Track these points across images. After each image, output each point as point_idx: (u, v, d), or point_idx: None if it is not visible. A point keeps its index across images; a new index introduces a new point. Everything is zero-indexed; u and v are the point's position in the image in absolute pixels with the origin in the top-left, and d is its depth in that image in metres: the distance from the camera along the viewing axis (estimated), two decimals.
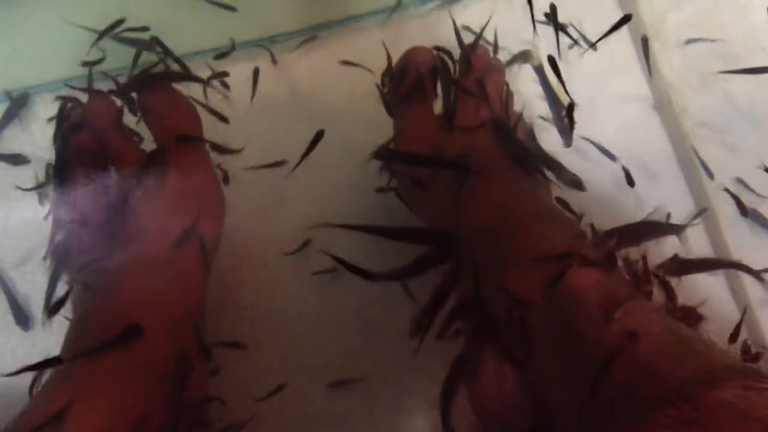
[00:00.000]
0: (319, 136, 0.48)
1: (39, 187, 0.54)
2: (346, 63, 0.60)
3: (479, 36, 0.52)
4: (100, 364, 0.41)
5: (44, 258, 0.48)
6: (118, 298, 0.44)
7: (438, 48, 0.52)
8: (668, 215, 0.50)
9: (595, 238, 0.41)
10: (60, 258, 0.48)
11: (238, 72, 0.59)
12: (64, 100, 0.51)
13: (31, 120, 0.60)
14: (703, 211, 0.56)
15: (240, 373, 0.51)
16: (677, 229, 0.46)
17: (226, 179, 0.53)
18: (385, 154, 0.48)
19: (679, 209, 0.56)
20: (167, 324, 0.44)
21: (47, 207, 0.50)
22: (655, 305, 0.38)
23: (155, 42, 0.56)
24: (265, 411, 0.50)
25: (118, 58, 0.58)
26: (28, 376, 0.51)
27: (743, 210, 0.56)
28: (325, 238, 0.56)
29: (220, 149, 0.54)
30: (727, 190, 0.56)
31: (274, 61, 0.61)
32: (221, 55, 0.59)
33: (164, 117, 0.49)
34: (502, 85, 0.51)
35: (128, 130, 0.50)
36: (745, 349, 0.48)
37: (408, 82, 0.50)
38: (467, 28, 0.59)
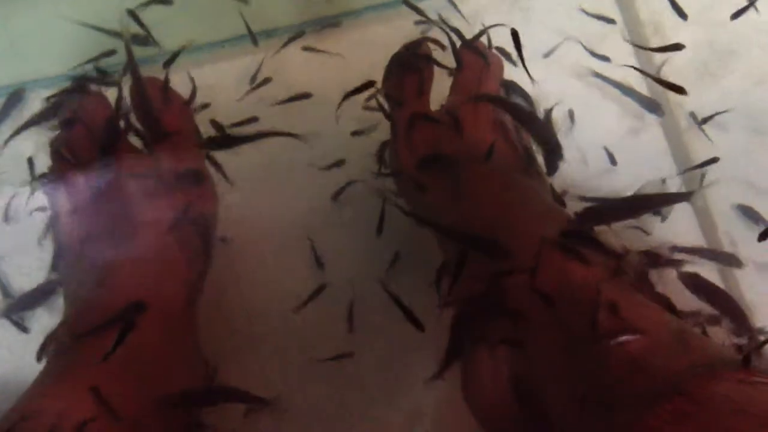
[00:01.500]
0: (369, 83, 0.49)
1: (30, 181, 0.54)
2: (307, 49, 0.60)
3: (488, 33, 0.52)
4: (92, 361, 0.41)
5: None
6: (111, 293, 0.44)
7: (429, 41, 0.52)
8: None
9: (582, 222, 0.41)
10: (56, 252, 0.48)
11: (233, 68, 0.59)
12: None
13: (26, 116, 0.60)
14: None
15: (236, 370, 0.51)
16: (682, 198, 0.45)
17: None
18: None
19: (676, 206, 0.56)
20: (162, 320, 0.44)
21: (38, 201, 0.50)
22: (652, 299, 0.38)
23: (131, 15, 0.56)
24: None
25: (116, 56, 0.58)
26: (24, 373, 0.52)
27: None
28: (323, 237, 0.56)
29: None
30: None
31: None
32: None
33: (156, 112, 0.49)
34: (500, 79, 0.51)
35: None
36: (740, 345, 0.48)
37: (404, 77, 0.50)
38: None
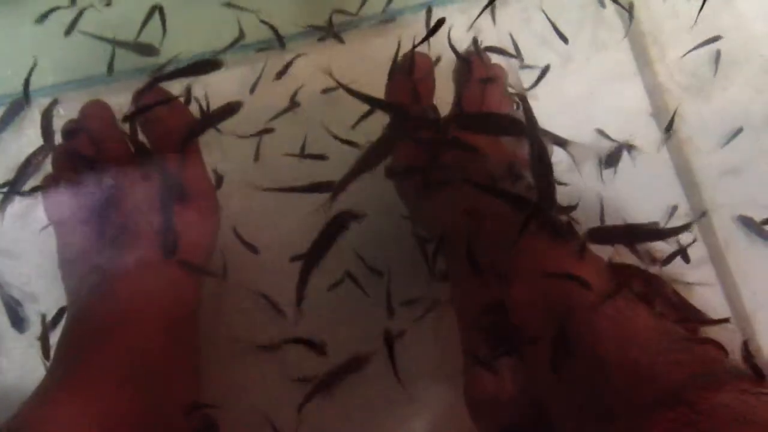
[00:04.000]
0: (440, 22, 0.47)
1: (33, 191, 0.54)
2: (262, 49, 0.60)
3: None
4: (92, 367, 0.41)
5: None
6: (113, 301, 0.44)
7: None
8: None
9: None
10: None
11: (236, 76, 0.59)
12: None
13: (28, 124, 0.60)
14: (702, 215, 0.56)
15: (238, 377, 0.51)
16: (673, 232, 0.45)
17: (219, 183, 0.53)
18: None
19: (677, 217, 0.57)
20: (162, 327, 0.44)
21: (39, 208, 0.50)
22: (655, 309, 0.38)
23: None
24: (263, 415, 0.50)
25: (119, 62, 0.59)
26: (26, 379, 0.52)
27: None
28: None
29: None
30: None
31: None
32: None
33: (159, 121, 0.49)
34: (501, 89, 0.51)
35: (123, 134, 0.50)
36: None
37: (401, 85, 0.50)
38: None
